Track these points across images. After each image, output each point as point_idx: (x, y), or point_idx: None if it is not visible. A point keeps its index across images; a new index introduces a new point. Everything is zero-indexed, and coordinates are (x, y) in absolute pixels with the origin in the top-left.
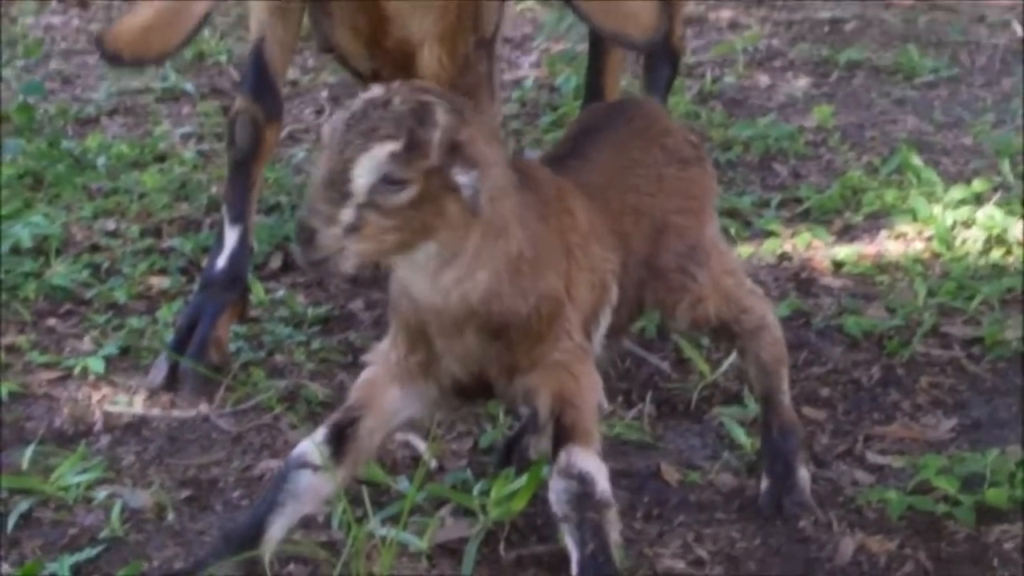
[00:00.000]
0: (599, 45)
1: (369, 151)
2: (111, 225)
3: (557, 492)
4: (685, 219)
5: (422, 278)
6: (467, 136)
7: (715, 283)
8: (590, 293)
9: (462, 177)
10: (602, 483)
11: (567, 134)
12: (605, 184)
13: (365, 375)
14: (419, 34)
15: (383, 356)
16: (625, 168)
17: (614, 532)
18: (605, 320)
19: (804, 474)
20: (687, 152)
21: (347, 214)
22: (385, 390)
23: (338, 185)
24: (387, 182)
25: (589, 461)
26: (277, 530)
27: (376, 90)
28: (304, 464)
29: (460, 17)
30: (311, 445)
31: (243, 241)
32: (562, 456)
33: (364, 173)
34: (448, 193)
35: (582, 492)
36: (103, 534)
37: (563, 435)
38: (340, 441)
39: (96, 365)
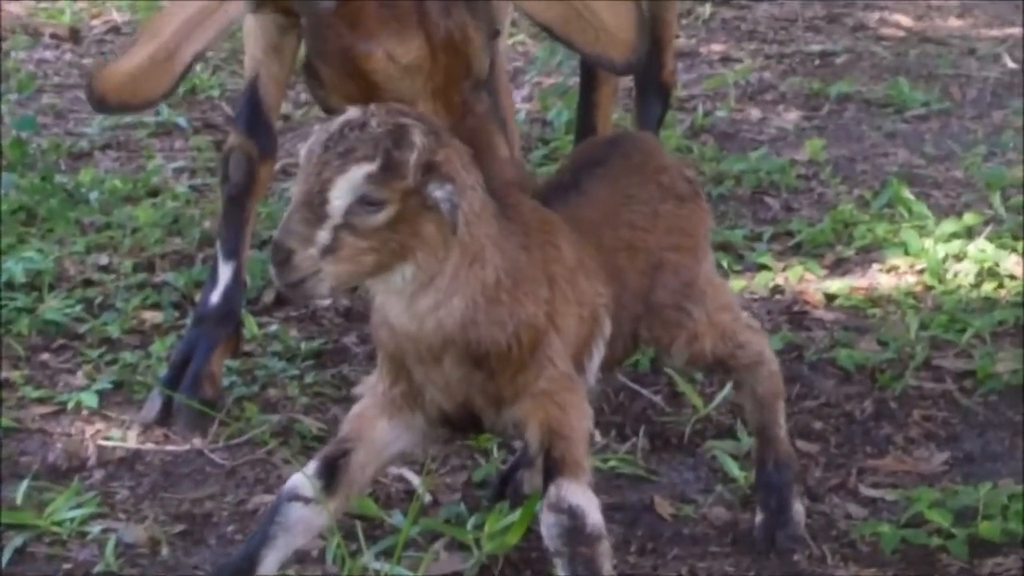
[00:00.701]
0: (591, 79)
1: (346, 173)
2: (104, 260)
3: (548, 527)
4: (680, 256)
5: (398, 303)
6: (443, 156)
7: (711, 320)
8: (579, 325)
9: (439, 192)
10: (593, 516)
11: (564, 167)
12: (600, 219)
13: (355, 408)
14: (410, 94)
15: (372, 388)
16: (621, 204)
17: (607, 565)
18: (598, 353)
19: (799, 508)
20: (683, 189)
21: (323, 235)
22: (374, 423)
23: (315, 206)
24: (364, 203)
25: (579, 494)
26: (270, 564)
27: (353, 112)
28: (296, 497)
29: (449, 71)
30: (303, 478)
31: (237, 276)
32: (552, 490)
33: (341, 195)
34: (425, 213)
35: (573, 526)
36: (97, 569)
37: (553, 468)
38: (332, 474)
39: (90, 400)
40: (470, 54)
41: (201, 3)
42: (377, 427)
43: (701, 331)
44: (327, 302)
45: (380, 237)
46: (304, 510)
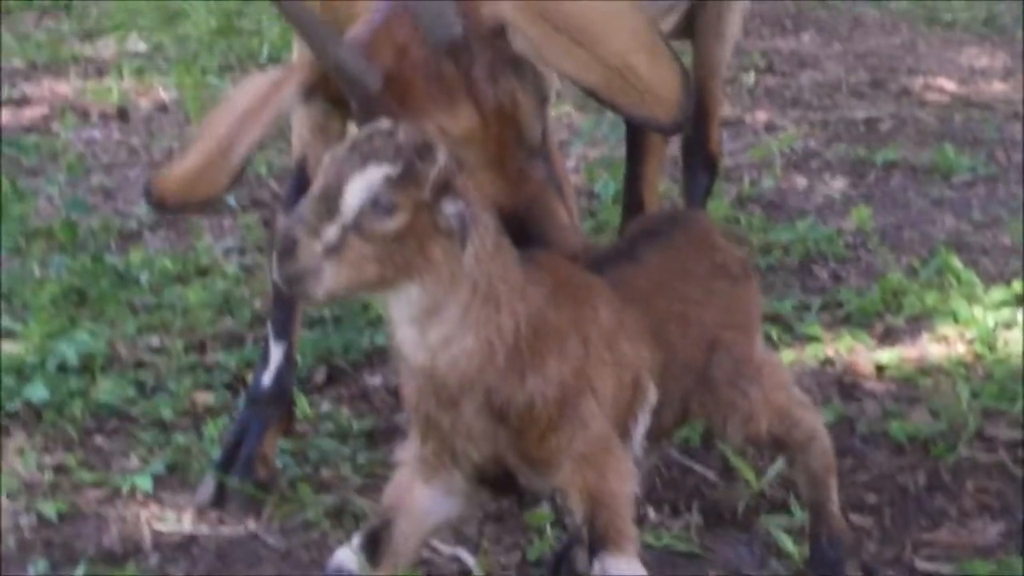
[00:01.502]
0: (637, 152)
1: (365, 171)
2: (155, 341)
3: None
4: (734, 335)
5: (410, 332)
6: (462, 183)
7: (767, 399)
8: (619, 388)
9: (451, 207)
10: None
11: (622, 236)
12: (650, 287)
13: (395, 476)
14: (467, 165)
15: (410, 454)
16: (674, 275)
17: None
18: (644, 420)
19: None
20: (736, 269)
21: (331, 232)
22: (413, 489)
23: (329, 201)
24: (376, 206)
25: (623, 566)
26: None
27: (383, 122)
28: (340, 572)
29: (502, 139)
30: (347, 553)
31: (288, 356)
32: (596, 566)
33: (356, 192)
34: (435, 235)
35: None
36: None
37: (596, 542)
38: (375, 546)
39: (144, 483)
40: (521, 120)
41: (250, 97)
42: (416, 494)
43: (757, 411)
44: (378, 381)
45: (386, 247)
46: None
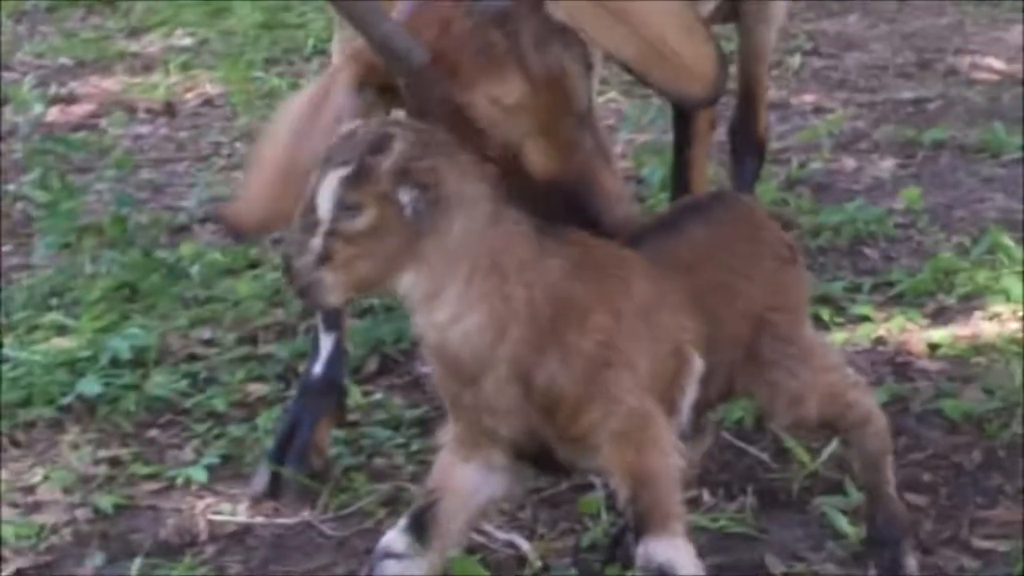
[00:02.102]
0: (685, 137)
1: (327, 177)
2: (207, 334)
3: None
4: (781, 316)
5: (420, 317)
6: (427, 165)
7: (816, 381)
8: (658, 362)
9: (404, 196)
10: (685, 570)
11: (667, 209)
12: (694, 258)
13: (438, 458)
14: (517, 136)
15: (449, 435)
16: (719, 248)
17: None
18: (691, 391)
19: (912, 562)
20: (783, 251)
21: (316, 243)
22: (456, 468)
23: (308, 214)
24: (344, 208)
25: (668, 549)
26: None
27: (348, 125)
28: (389, 554)
29: (552, 107)
30: (394, 534)
31: (338, 346)
32: (640, 551)
33: (324, 200)
34: (407, 221)
35: None
36: None
37: (639, 525)
38: (422, 527)
39: (199, 475)
40: (569, 87)
41: (302, 109)
42: (459, 472)
43: (806, 392)
44: (428, 368)
45: (367, 244)
46: (398, 566)
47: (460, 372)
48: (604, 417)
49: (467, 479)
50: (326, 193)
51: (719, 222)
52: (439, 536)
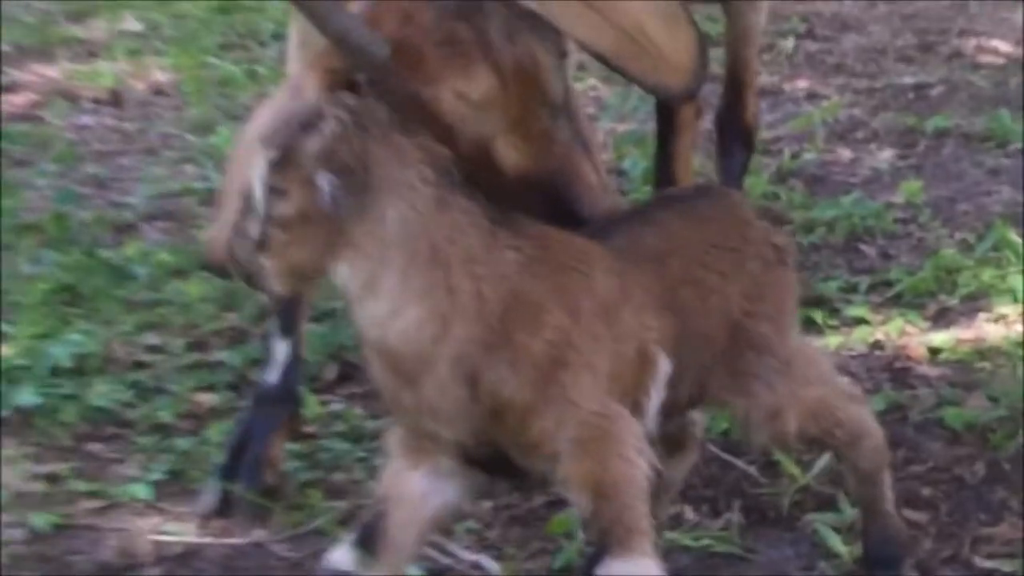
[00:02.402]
0: (669, 128)
1: (256, 162)
2: (154, 339)
3: None
4: (762, 323)
5: (358, 307)
6: (354, 147)
7: (797, 395)
8: (622, 364)
9: (322, 181)
10: None
11: (643, 201)
12: (665, 249)
13: (387, 464)
14: (488, 131)
15: (395, 439)
16: (694, 241)
17: None
18: (657, 394)
19: None
20: (769, 253)
21: (253, 228)
22: (404, 477)
23: (246, 199)
24: (273, 193)
25: (631, 568)
26: None
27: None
28: (335, 571)
29: (523, 100)
30: (341, 549)
31: (295, 353)
32: (600, 570)
33: (256, 184)
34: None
35: None
36: None
37: (601, 542)
38: (371, 540)
39: (143, 492)
40: (542, 79)
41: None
42: (408, 482)
43: (785, 408)
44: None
45: (298, 230)
46: None
47: (399, 370)
48: (559, 423)
49: (417, 486)
50: (256, 177)
51: (700, 216)
52: (390, 549)
